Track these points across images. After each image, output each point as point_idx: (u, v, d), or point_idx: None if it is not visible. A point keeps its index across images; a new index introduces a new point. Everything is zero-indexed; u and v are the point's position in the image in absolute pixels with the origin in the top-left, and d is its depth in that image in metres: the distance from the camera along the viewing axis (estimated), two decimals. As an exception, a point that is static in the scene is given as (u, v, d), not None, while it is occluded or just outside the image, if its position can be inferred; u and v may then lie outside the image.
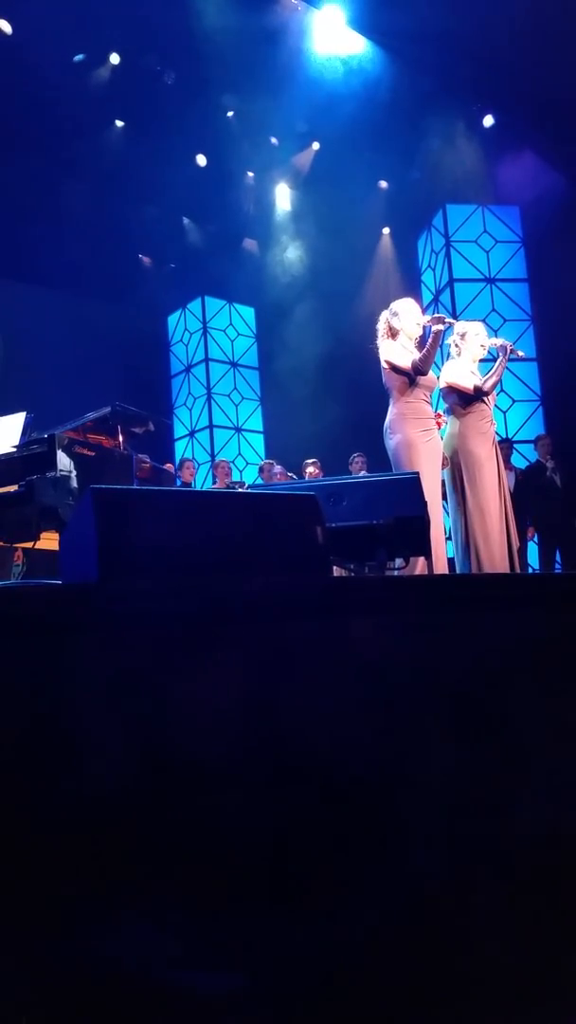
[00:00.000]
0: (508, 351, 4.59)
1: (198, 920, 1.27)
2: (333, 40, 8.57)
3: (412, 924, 1.39)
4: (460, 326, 4.73)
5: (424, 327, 4.41)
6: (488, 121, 9.32)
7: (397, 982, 1.34)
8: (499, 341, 4.70)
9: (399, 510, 3.18)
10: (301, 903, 1.35)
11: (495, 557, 4.27)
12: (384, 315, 4.49)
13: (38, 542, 3.96)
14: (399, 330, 4.40)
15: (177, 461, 8.39)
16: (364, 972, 1.33)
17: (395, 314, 4.44)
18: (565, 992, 1.41)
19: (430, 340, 4.28)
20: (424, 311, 4.87)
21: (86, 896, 1.21)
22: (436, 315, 4.44)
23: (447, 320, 4.40)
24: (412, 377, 4.28)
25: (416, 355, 4.29)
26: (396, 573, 3.55)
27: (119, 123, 9.05)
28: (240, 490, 6.01)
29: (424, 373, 4.29)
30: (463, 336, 4.64)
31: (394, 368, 4.32)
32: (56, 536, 3.88)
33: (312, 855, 1.37)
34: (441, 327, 4.29)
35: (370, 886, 1.38)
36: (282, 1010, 1.28)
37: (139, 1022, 1.20)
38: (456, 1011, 1.36)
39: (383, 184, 10.19)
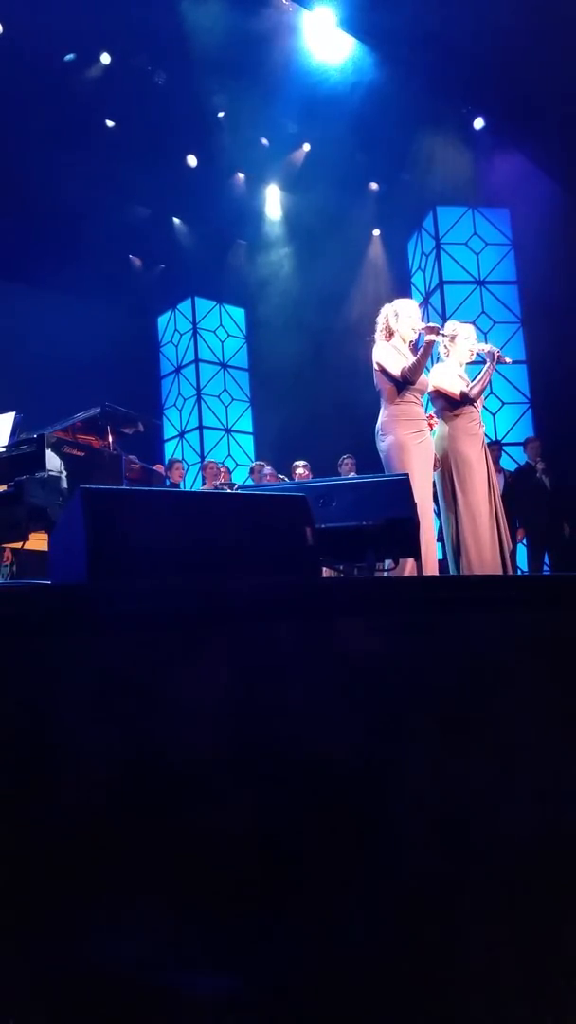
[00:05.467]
0: (496, 358, 4.56)
1: (191, 921, 1.27)
2: (324, 42, 8.59)
3: (406, 924, 1.39)
4: (451, 327, 4.70)
5: (419, 333, 4.38)
6: (478, 123, 9.37)
7: (391, 982, 1.34)
8: (487, 347, 4.68)
9: (388, 511, 3.18)
10: (294, 904, 1.34)
11: (485, 559, 4.28)
12: (386, 311, 4.43)
13: (27, 542, 3.95)
14: (396, 331, 4.38)
15: (166, 462, 8.37)
16: (358, 972, 1.33)
17: (396, 314, 4.39)
18: (561, 992, 1.41)
19: (421, 350, 4.23)
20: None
21: (79, 897, 1.21)
22: (431, 324, 4.37)
23: (441, 332, 4.38)
24: (401, 384, 4.27)
25: (407, 362, 4.26)
26: (385, 574, 3.55)
27: (109, 123, 9.02)
28: (229, 491, 5.99)
29: (413, 383, 4.25)
30: (452, 339, 4.63)
31: (384, 372, 4.31)
32: (45, 536, 3.88)
33: (304, 856, 1.37)
34: (434, 338, 4.24)
35: (363, 886, 1.38)
36: (277, 1011, 1.28)
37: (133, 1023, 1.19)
38: (452, 1011, 1.36)
39: (373, 186, 10.23)
